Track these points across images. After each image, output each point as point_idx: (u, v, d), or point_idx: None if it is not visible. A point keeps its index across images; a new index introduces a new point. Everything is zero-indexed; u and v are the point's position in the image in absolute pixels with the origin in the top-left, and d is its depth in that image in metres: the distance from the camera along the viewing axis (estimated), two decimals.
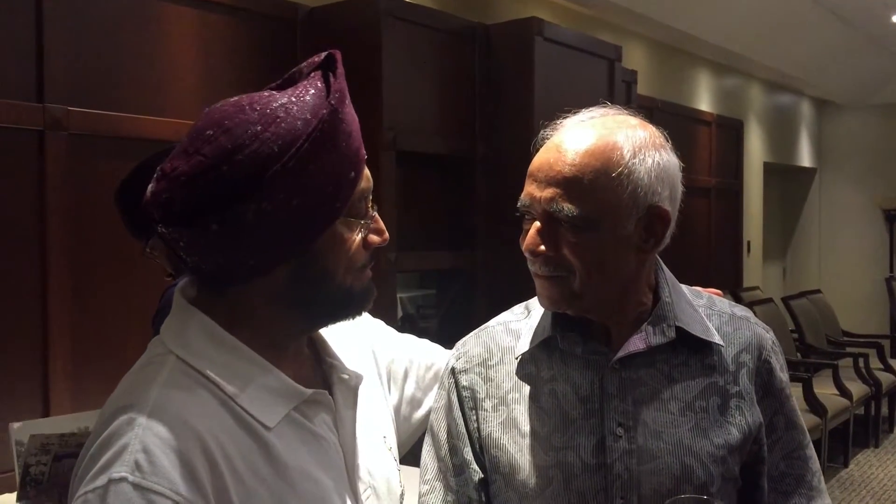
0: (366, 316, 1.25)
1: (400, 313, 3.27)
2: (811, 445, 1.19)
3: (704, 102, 6.14)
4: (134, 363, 1.00)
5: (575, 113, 1.12)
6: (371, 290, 1.04)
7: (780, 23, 5.65)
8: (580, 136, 1.06)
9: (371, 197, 1.03)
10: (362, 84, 2.85)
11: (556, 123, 1.11)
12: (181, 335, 0.96)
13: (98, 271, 2.36)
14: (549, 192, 1.04)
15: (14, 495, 1.67)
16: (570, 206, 1.03)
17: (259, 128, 0.90)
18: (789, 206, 8.54)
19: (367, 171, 1.01)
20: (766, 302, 5.75)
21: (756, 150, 7.01)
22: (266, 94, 0.96)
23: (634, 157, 1.04)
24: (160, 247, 1.80)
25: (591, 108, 1.11)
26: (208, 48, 2.67)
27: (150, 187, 0.94)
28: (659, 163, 1.06)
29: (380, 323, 1.30)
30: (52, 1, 2.25)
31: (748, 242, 6.75)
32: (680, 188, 1.10)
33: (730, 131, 6.19)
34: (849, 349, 6.02)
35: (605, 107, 1.11)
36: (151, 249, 1.82)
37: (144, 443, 0.86)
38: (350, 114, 0.97)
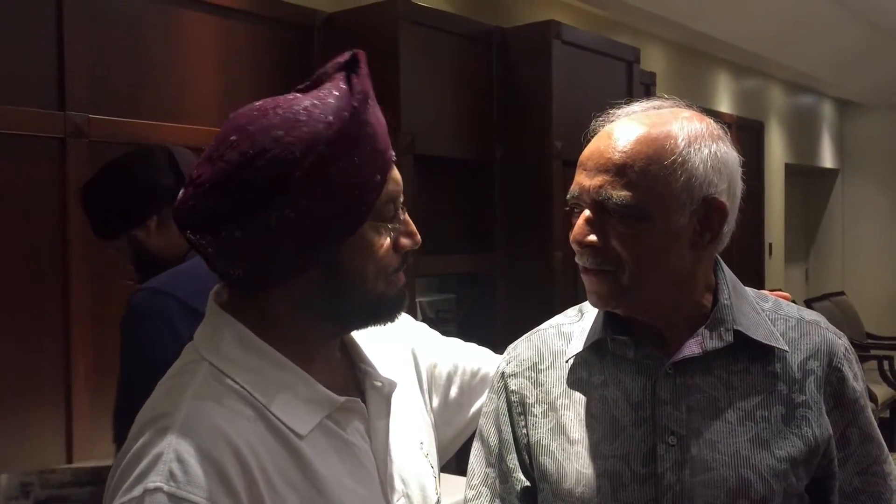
0: (408, 319, 1.23)
1: (420, 318, 3.27)
2: (890, 461, 1.10)
3: (724, 104, 6.09)
4: None
5: (628, 103, 1.08)
6: (403, 296, 1.01)
7: (800, 23, 5.60)
8: (633, 125, 1.03)
9: (402, 199, 1.00)
10: (380, 89, 2.84)
11: (608, 114, 1.08)
12: (213, 341, 0.96)
13: (119, 279, 2.37)
14: (598, 180, 1.01)
15: None
16: (619, 193, 0.99)
17: (281, 132, 0.89)
18: (811, 207, 8.45)
19: (396, 174, 0.99)
20: None
21: (777, 151, 6.94)
22: (290, 96, 0.95)
23: (689, 147, 1.00)
24: (125, 249, 1.78)
25: (644, 100, 1.08)
26: (227, 55, 2.68)
27: (179, 194, 0.93)
28: (716, 153, 1.02)
29: (423, 326, 1.27)
30: (72, 10, 2.27)
31: (770, 245, 6.68)
32: (740, 183, 1.05)
33: (750, 133, 6.14)
34: (873, 351, 5.96)
35: (660, 99, 1.08)
36: (117, 251, 1.79)
37: (178, 452, 0.85)
38: (375, 115, 0.95)
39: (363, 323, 1.01)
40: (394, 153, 0.99)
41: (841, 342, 1.11)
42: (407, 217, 1.01)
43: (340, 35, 2.93)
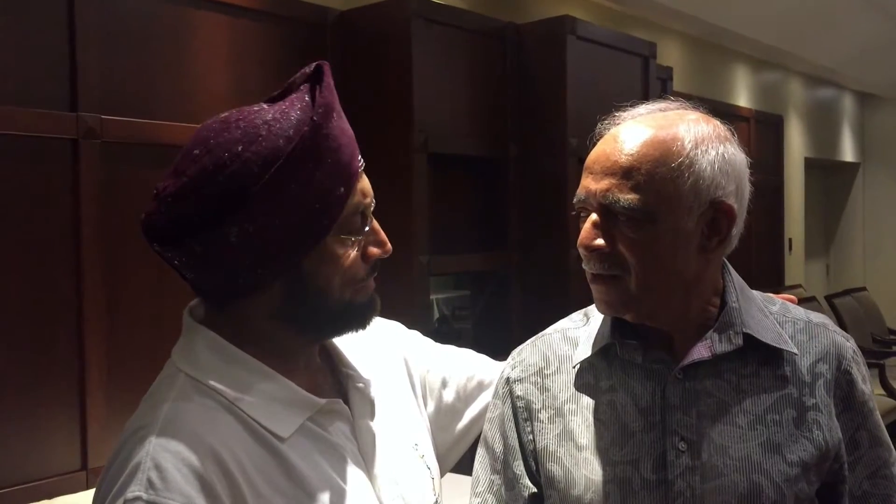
0: (399, 328, 1.25)
1: (436, 315, 3.26)
2: None
3: (742, 98, 6.04)
4: None
5: (634, 106, 1.07)
6: (374, 302, 1.02)
7: (818, 15, 5.54)
8: (639, 127, 1.01)
9: (370, 210, 1.00)
10: (393, 86, 2.84)
11: (614, 116, 1.07)
12: (189, 353, 0.96)
13: (132, 279, 2.37)
14: (604, 184, 1.00)
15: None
16: (626, 196, 0.98)
17: (241, 147, 0.89)
18: (832, 202, 8.36)
19: (364, 185, 0.98)
20: (809, 300, 5.63)
21: (797, 145, 6.88)
22: (256, 108, 0.95)
23: (696, 148, 0.99)
24: None
25: (651, 102, 1.07)
26: (239, 54, 2.68)
27: (146, 208, 0.94)
28: (724, 155, 1.01)
29: (415, 334, 1.28)
30: (84, 11, 2.27)
31: (790, 240, 6.62)
32: (748, 185, 1.04)
33: (769, 127, 6.08)
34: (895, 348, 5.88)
35: (666, 101, 1.07)
36: None
37: (156, 460, 0.86)
38: (338, 127, 0.94)
39: (335, 331, 1.02)
40: (362, 163, 0.98)
41: (849, 345, 1.10)
42: (376, 226, 1.01)
43: (353, 33, 2.92)
